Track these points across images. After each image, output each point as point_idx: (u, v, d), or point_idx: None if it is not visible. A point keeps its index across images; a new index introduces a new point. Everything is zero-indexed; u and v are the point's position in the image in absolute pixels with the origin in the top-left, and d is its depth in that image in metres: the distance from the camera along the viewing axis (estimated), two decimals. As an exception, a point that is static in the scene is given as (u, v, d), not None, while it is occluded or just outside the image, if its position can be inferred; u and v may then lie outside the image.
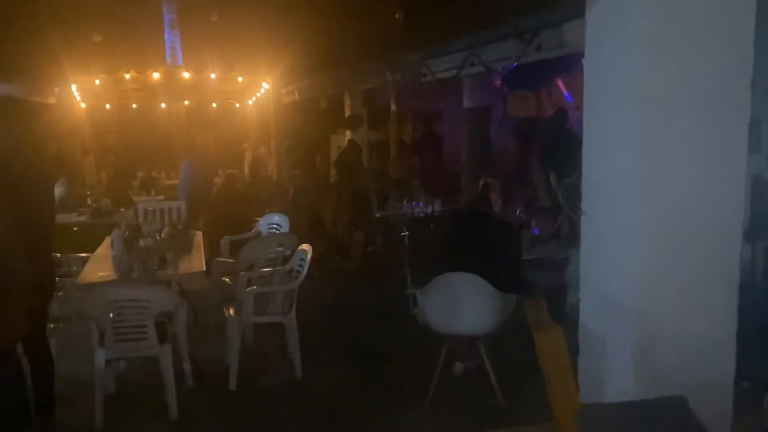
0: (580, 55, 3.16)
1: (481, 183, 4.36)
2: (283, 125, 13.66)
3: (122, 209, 7.70)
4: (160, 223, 5.98)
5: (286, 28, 12.04)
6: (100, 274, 4.32)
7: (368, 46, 8.42)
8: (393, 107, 13.53)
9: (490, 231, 3.78)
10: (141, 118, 15.65)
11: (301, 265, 4.53)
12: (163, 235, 5.05)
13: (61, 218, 7.59)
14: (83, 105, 13.57)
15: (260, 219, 6.38)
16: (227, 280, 5.30)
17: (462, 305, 3.66)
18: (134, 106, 15.04)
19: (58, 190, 8.23)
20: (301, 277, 4.37)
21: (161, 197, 10.37)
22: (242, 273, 4.72)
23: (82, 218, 7.61)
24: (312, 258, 4.49)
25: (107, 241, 5.09)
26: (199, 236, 5.54)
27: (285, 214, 6.50)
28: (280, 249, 5.29)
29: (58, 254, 5.29)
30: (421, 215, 6.27)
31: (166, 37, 15.99)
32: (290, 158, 10.53)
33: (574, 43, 4.58)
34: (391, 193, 8.04)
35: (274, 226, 6.20)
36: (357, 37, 9.74)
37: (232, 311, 4.39)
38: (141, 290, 3.68)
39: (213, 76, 13.14)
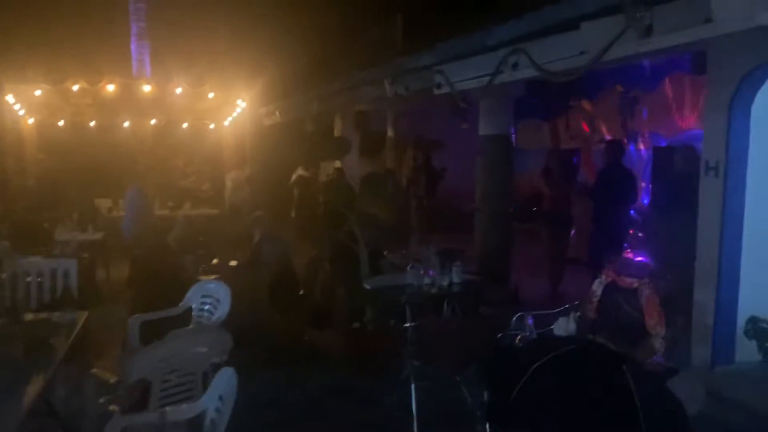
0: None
1: (598, 282, 2.05)
2: (261, 149, 11.68)
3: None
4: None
5: (265, 34, 10.13)
6: None
7: (363, 51, 6.46)
8: (390, 132, 11.52)
9: (641, 402, 1.58)
10: (100, 137, 13.68)
11: (218, 410, 2.40)
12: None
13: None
14: (30, 121, 11.76)
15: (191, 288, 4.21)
16: (113, 408, 3.15)
17: None
18: (92, 123, 13.07)
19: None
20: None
21: (99, 235, 8.40)
22: (117, 415, 2.57)
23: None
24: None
25: None
26: (76, 326, 3.37)
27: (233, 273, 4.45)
28: (203, 353, 3.17)
29: None
30: (434, 291, 4.09)
31: (132, 47, 14.09)
32: (251, 189, 8.37)
33: (729, 18, 2.54)
34: (384, 247, 5.94)
35: (208, 300, 4.05)
36: (349, 41, 7.78)
37: None
38: None
39: (179, 90, 11.28)
